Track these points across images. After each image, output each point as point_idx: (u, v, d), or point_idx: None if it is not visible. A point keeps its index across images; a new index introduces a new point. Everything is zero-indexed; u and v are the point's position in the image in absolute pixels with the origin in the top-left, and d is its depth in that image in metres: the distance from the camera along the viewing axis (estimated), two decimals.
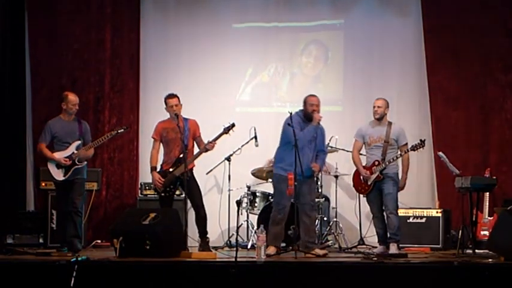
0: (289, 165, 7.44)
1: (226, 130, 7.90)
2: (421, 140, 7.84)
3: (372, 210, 8.04)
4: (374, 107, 8.03)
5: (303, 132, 7.60)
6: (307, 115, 7.71)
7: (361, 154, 8.14)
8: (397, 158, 7.84)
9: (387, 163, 7.83)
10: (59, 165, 7.85)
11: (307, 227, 7.64)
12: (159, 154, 8.09)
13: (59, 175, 7.87)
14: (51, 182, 8.86)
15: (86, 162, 8.00)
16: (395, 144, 7.92)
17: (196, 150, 8.00)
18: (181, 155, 7.79)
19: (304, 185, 7.60)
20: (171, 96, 7.96)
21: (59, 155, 7.84)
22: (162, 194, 7.92)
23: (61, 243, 7.91)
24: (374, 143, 7.97)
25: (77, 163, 7.86)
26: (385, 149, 7.90)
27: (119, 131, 8.10)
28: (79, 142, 7.90)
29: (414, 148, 7.84)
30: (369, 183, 7.94)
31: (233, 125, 7.91)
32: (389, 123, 8.00)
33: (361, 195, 8.48)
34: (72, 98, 7.99)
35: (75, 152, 7.86)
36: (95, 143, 7.94)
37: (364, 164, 8.04)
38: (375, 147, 7.97)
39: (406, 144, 7.95)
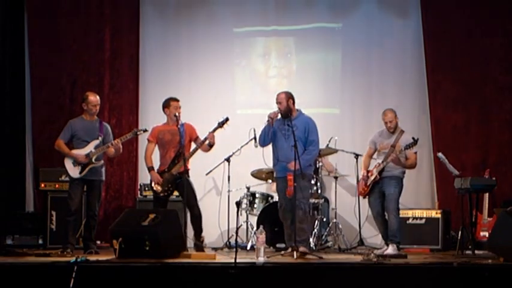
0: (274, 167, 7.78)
1: (221, 124, 7.94)
2: (413, 139, 7.81)
3: (372, 213, 8.06)
4: (386, 122, 8.00)
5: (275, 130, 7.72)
6: None
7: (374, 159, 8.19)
8: (401, 151, 7.79)
9: (385, 163, 7.84)
10: (75, 162, 7.89)
11: (294, 226, 7.62)
12: (156, 158, 8.13)
13: (75, 172, 7.91)
14: (51, 183, 8.93)
15: (102, 162, 8.04)
16: (402, 152, 7.87)
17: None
18: (177, 154, 7.81)
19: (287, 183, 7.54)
20: (177, 99, 8.01)
21: (76, 152, 7.90)
22: (161, 195, 7.93)
23: (64, 243, 7.90)
24: (383, 149, 8.03)
25: (94, 162, 7.91)
26: (390, 153, 7.90)
27: (137, 133, 8.17)
28: (98, 141, 7.96)
29: (407, 147, 7.79)
30: (368, 184, 7.97)
31: (227, 119, 7.95)
32: (401, 132, 8.01)
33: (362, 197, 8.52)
34: (92, 98, 8.05)
35: (93, 150, 7.91)
36: (112, 143, 7.95)
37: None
38: (383, 153, 8.01)
39: (416, 153, 7.93)
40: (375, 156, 8.17)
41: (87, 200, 8.03)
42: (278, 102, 7.73)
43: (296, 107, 7.86)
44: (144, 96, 10.05)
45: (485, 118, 9.59)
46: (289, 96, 7.75)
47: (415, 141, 7.79)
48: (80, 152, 7.91)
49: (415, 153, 7.94)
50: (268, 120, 7.66)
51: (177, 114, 7.89)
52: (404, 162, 7.89)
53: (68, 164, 7.93)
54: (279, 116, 7.68)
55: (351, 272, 6.52)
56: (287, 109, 7.70)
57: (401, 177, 7.96)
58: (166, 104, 8.01)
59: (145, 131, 8.18)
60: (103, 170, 8.12)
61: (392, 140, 7.98)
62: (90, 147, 7.94)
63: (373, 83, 9.96)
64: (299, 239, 7.47)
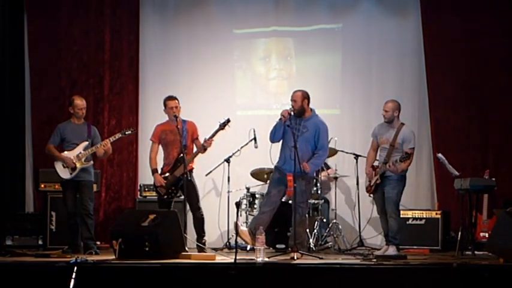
0: (279, 161, 7.69)
1: (222, 126, 7.96)
2: (406, 153, 7.74)
3: (377, 210, 8.07)
4: (383, 110, 7.99)
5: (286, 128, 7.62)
6: None
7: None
8: (395, 162, 7.77)
9: (385, 167, 7.81)
10: (65, 164, 7.93)
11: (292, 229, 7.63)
12: (159, 157, 8.15)
13: (65, 174, 7.98)
14: (51, 184, 8.94)
15: (92, 163, 8.08)
16: (400, 148, 7.85)
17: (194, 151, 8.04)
18: (180, 156, 7.83)
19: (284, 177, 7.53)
20: (171, 98, 8.01)
21: (65, 155, 7.95)
22: (165, 197, 7.94)
23: (68, 244, 7.95)
24: (383, 144, 7.98)
25: (84, 162, 7.99)
26: (390, 152, 7.85)
27: (126, 133, 8.23)
28: (87, 143, 8.03)
29: (401, 160, 7.72)
30: (371, 184, 7.97)
31: (228, 121, 7.96)
32: (400, 126, 7.94)
33: (362, 196, 8.52)
34: (79, 102, 8.13)
35: (82, 152, 7.95)
36: (101, 144, 8.01)
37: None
38: (383, 149, 7.97)
39: (413, 149, 7.87)
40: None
41: (80, 200, 8.03)
42: (293, 100, 7.67)
43: None
44: (144, 97, 10.05)
45: (485, 118, 9.58)
46: (305, 96, 7.70)
47: (407, 155, 7.69)
48: (70, 154, 7.97)
49: (412, 149, 7.90)
50: (280, 118, 7.63)
51: (176, 115, 7.89)
52: (401, 166, 7.85)
53: (58, 166, 8.01)
54: (292, 113, 7.62)
55: (350, 272, 6.52)
56: (301, 108, 7.66)
57: (402, 174, 7.92)
58: (164, 104, 8.06)
59: (133, 131, 8.29)
60: (92, 170, 8.18)
61: (392, 133, 7.92)
62: (79, 149, 8.01)
63: (373, 84, 9.95)
64: (298, 242, 7.45)
